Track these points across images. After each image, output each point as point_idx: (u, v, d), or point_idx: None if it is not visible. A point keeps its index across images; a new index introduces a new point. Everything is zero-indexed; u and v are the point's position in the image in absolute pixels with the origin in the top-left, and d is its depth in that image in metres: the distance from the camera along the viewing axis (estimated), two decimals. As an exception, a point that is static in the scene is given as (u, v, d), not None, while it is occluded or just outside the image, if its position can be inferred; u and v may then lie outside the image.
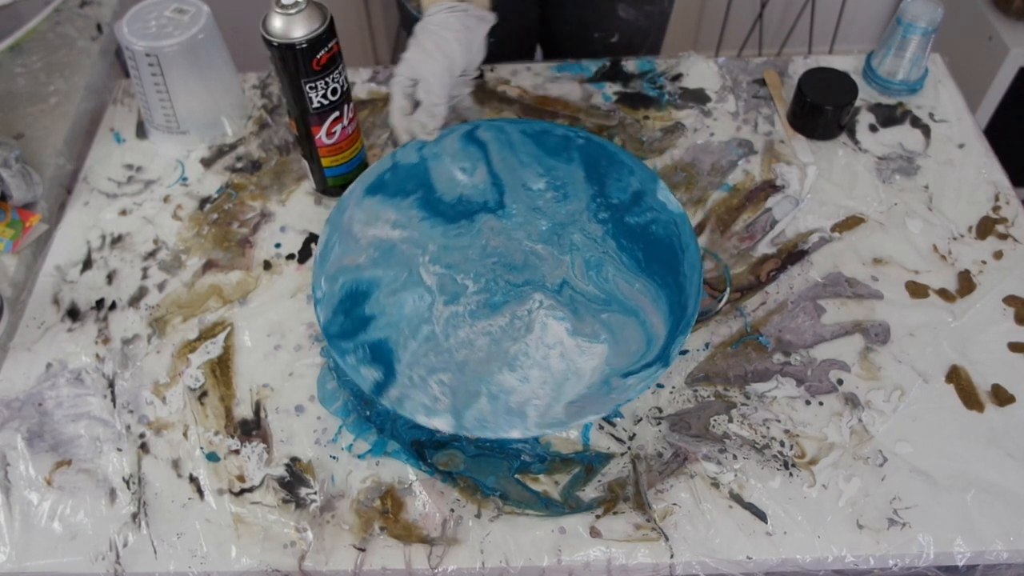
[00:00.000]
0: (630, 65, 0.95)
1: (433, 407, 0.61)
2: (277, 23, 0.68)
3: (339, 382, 0.70)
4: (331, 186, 0.82)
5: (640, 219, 0.70)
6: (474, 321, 0.66)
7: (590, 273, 0.69)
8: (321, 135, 0.76)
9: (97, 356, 0.73)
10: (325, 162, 0.79)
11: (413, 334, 0.64)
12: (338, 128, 0.76)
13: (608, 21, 1.04)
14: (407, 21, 1.06)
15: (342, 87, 0.74)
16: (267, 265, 0.79)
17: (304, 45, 0.68)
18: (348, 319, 0.63)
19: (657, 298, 0.67)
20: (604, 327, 0.66)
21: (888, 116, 0.89)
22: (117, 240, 0.81)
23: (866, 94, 0.91)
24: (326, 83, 0.72)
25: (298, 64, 0.69)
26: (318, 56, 0.69)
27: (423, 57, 0.69)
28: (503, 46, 1.05)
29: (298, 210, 0.83)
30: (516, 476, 0.65)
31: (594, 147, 0.73)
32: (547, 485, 0.64)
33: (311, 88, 0.71)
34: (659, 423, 0.67)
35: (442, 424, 0.60)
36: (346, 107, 0.76)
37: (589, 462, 0.65)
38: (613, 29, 1.04)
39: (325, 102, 0.73)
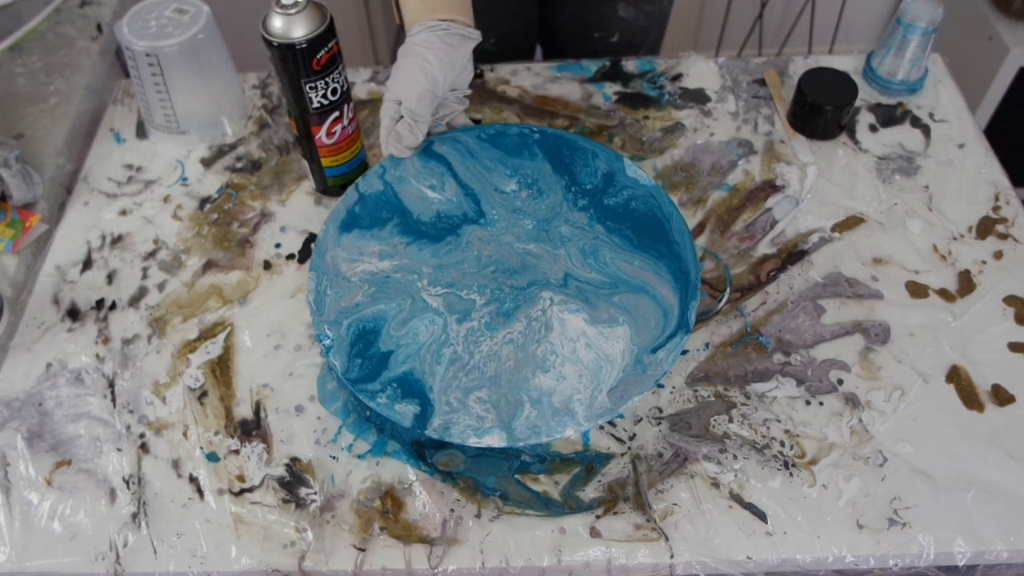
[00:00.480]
0: (630, 65, 0.95)
1: (480, 426, 0.62)
2: (277, 23, 0.68)
3: (339, 382, 0.70)
4: (331, 186, 0.82)
5: (618, 199, 0.72)
6: (492, 332, 0.66)
7: (588, 261, 0.70)
8: (321, 135, 0.76)
9: (97, 356, 0.73)
10: (325, 162, 0.79)
11: (436, 359, 0.64)
12: (338, 128, 0.76)
13: (608, 21, 1.04)
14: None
15: (342, 87, 0.74)
16: (267, 265, 0.79)
17: (304, 45, 0.68)
18: (366, 360, 0.64)
19: (659, 270, 0.68)
20: (619, 309, 0.67)
21: (888, 116, 0.89)
22: (117, 240, 0.81)
23: (866, 94, 0.91)
24: (326, 83, 0.72)
25: (298, 64, 0.69)
26: (318, 56, 0.69)
27: (404, 78, 0.69)
28: (503, 46, 1.05)
29: (298, 210, 0.83)
30: (516, 476, 0.65)
31: (551, 139, 0.74)
32: (547, 485, 0.64)
33: (311, 88, 0.71)
34: (659, 423, 0.67)
35: (495, 440, 0.61)
36: (346, 107, 0.76)
37: (589, 462, 0.65)
38: (613, 29, 1.04)
39: (325, 102, 0.73)
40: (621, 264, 0.69)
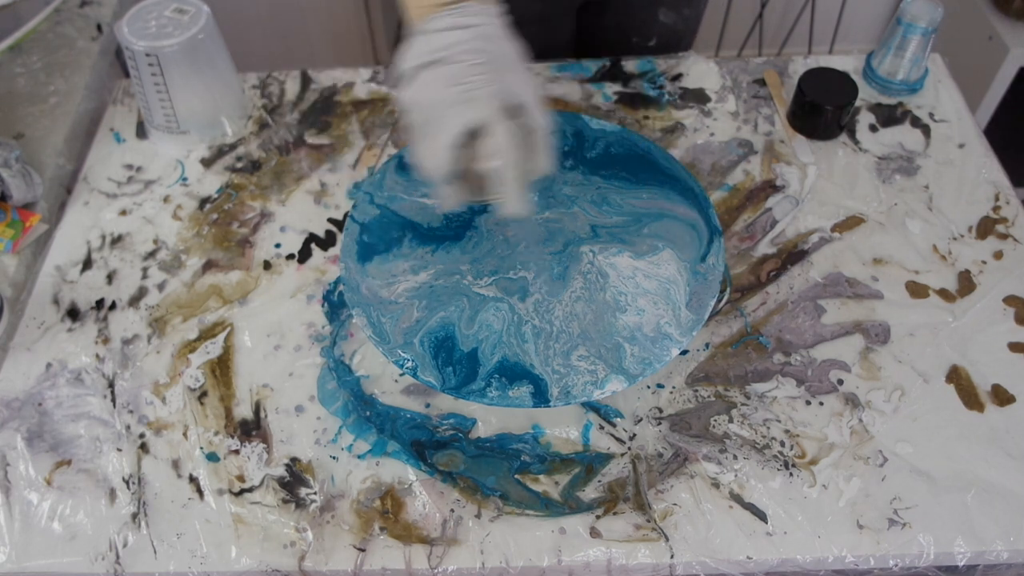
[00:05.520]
0: (630, 65, 0.95)
1: (598, 379, 0.63)
2: None
3: (339, 382, 0.70)
4: None
5: (597, 149, 0.77)
6: (558, 297, 0.67)
7: (604, 208, 0.72)
8: None
9: (97, 356, 0.73)
10: None
11: (522, 339, 0.65)
12: None
13: (648, 26, 1.03)
14: None
15: None
16: (267, 265, 0.79)
17: None
18: (456, 366, 0.64)
19: (667, 194, 0.73)
20: (654, 238, 0.70)
21: (888, 116, 0.89)
22: (117, 240, 0.81)
23: (866, 94, 0.91)
24: None
25: None
26: None
27: (508, 71, 0.54)
28: (543, 57, 1.04)
29: (298, 210, 0.83)
30: (516, 476, 0.65)
31: None
32: (547, 485, 0.64)
33: None
34: (659, 423, 0.67)
35: (617, 385, 0.63)
36: None
37: (589, 462, 0.65)
38: (652, 34, 1.04)
39: None
40: (632, 201, 0.73)
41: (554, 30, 1.04)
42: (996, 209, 0.81)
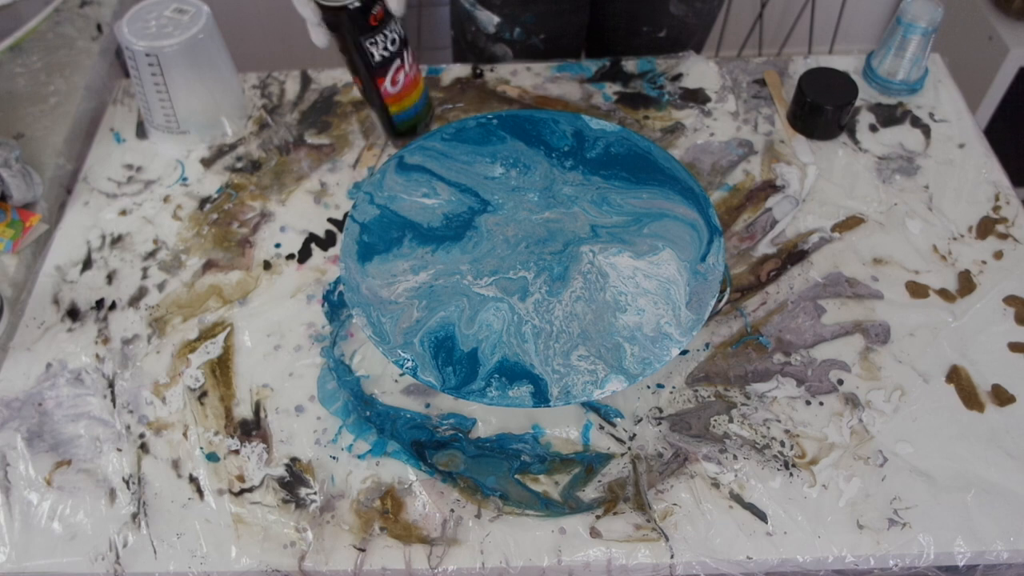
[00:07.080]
0: (630, 65, 0.95)
1: (598, 379, 0.63)
2: None
3: (339, 382, 0.70)
4: (400, 131, 0.87)
5: (597, 149, 0.77)
6: (558, 297, 0.67)
7: (604, 208, 0.73)
8: (386, 85, 0.80)
9: (97, 356, 0.73)
10: (392, 109, 0.83)
11: (522, 339, 0.65)
12: (401, 76, 0.81)
13: (658, 16, 1.03)
14: (459, 16, 1.05)
15: (400, 36, 0.78)
16: (267, 265, 0.79)
17: (357, 4, 0.73)
18: (456, 366, 0.64)
19: (667, 195, 0.73)
20: (654, 238, 0.70)
21: (888, 116, 0.89)
22: (117, 240, 0.81)
23: (866, 94, 0.91)
24: (384, 36, 0.76)
25: (355, 23, 0.74)
26: (373, 12, 0.74)
27: None
28: (552, 44, 1.04)
29: (298, 210, 0.83)
30: (516, 476, 0.65)
31: (510, 120, 0.79)
32: (547, 485, 0.64)
33: (371, 44, 0.76)
34: (659, 423, 0.67)
35: (617, 384, 0.63)
36: (405, 54, 0.80)
37: (589, 462, 0.65)
38: (662, 24, 1.04)
39: (386, 54, 0.77)
40: (632, 201, 0.73)
41: (568, 13, 1.04)
42: (996, 209, 0.81)
